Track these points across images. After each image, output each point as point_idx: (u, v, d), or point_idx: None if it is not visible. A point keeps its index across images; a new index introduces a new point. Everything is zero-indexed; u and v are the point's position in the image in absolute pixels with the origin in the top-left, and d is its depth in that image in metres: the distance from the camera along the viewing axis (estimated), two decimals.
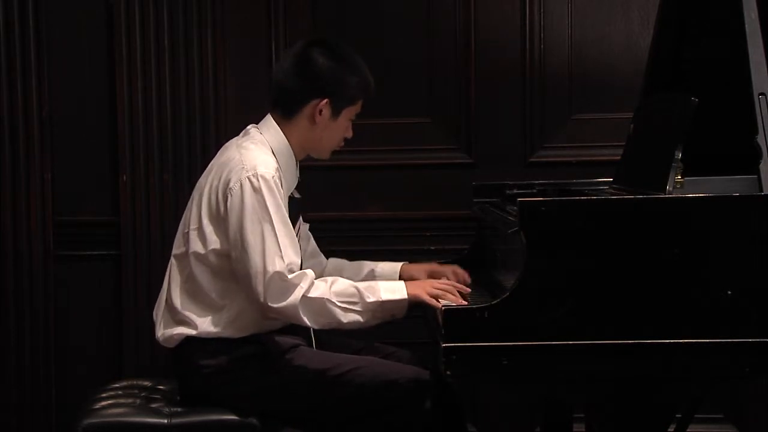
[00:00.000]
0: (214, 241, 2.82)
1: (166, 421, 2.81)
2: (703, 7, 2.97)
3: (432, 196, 3.83)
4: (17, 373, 3.90)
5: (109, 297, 3.89)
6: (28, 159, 3.87)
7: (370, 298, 2.75)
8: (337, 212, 3.74)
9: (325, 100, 2.89)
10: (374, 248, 3.71)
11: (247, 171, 2.78)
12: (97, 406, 2.90)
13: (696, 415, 3.16)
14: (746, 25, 2.61)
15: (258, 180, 2.77)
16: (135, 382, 3.12)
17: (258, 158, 2.82)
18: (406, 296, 2.77)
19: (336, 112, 2.91)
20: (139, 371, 3.73)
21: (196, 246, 2.84)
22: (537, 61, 3.79)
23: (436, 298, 2.75)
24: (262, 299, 2.73)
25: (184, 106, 3.81)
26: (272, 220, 2.75)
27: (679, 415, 3.09)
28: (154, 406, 2.89)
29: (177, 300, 2.87)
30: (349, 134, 3.00)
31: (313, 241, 3.21)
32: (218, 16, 3.81)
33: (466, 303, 2.72)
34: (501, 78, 3.80)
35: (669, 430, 2.58)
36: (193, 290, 2.86)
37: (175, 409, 2.86)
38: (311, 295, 2.73)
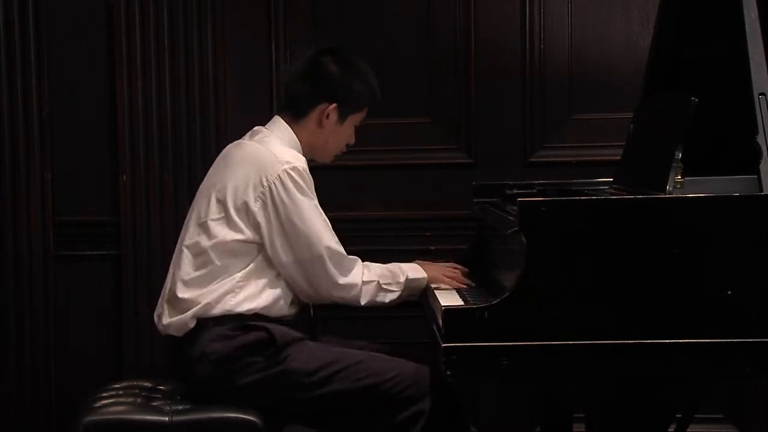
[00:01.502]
0: (244, 231, 2.89)
1: (167, 419, 2.81)
2: (703, 7, 2.97)
3: (432, 196, 3.83)
4: (17, 373, 3.90)
5: (109, 297, 3.89)
6: (28, 159, 3.87)
7: (401, 277, 3.01)
8: (337, 212, 3.73)
9: (333, 105, 3.00)
10: (374, 248, 3.71)
11: (282, 164, 2.90)
12: (98, 405, 2.90)
13: (696, 415, 3.16)
14: (746, 25, 2.60)
15: (296, 172, 2.90)
16: (135, 383, 3.12)
17: (288, 152, 2.95)
18: (425, 275, 3.04)
19: (342, 117, 3.03)
20: (139, 371, 3.74)
21: (221, 234, 2.89)
22: (537, 61, 3.79)
23: (452, 279, 3.06)
24: (332, 276, 2.91)
25: (184, 106, 3.82)
26: (317, 207, 2.93)
27: (679, 415, 3.09)
28: (155, 404, 2.89)
29: (188, 286, 2.91)
30: (352, 141, 3.11)
31: None
32: (218, 16, 3.81)
33: (467, 282, 3.06)
34: (501, 78, 3.80)
35: (669, 430, 2.58)
36: (207, 273, 2.90)
37: (176, 407, 2.86)
38: (366, 278, 2.97)
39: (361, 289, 2.95)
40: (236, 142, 3.06)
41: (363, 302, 2.97)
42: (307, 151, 3.04)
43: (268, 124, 3.06)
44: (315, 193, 2.95)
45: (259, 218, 2.88)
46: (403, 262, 3.15)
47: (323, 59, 3.02)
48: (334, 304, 3.00)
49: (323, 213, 2.95)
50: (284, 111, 3.06)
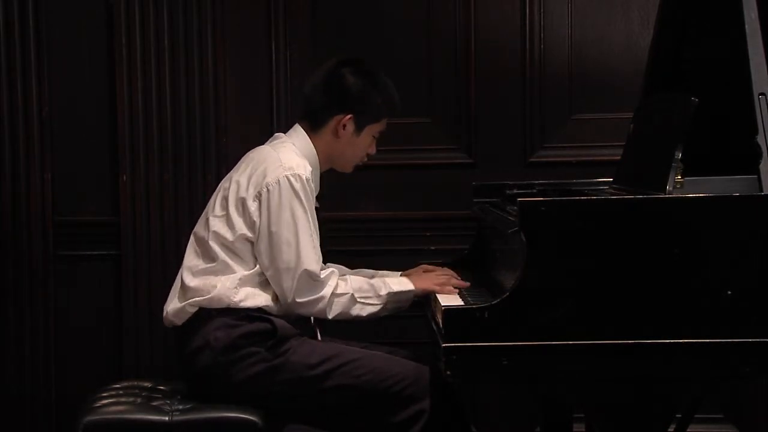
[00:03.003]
0: (241, 228, 2.92)
1: (167, 418, 2.81)
2: (703, 7, 2.97)
3: (432, 196, 3.83)
4: (17, 373, 3.90)
5: (109, 297, 3.89)
6: (28, 159, 3.87)
7: (383, 291, 2.98)
8: (337, 212, 3.74)
9: (349, 116, 3.03)
10: (374, 248, 3.72)
11: (285, 169, 2.92)
12: (98, 404, 2.90)
13: (696, 415, 3.16)
14: (746, 25, 2.60)
15: (296, 179, 2.91)
16: (135, 383, 3.12)
17: (296, 160, 2.96)
18: (413, 288, 3.00)
19: (359, 128, 3.06)
20: (139, 371, 3.74)
21: (223, 231, 2.94)
22: (537, 61, 3.79)
23: (443, 286, 2.97)
24: (290, 294, 2.89)
25: (184, 106, 3.81)
26: (308, 219, 2.91)
27: (679, 415, 3.09)
28: (155, 404, 2.89)
29: (192, 276, 2.95)
30: (373, 151, 3.14)
31: None
32: (218, 16, 3.81)
33: (458, 290, 2.95)
34: (501, 78, 3.80)
35: (669, 430, 2.58)
36: (213, 268, 2.94)
37: (176, 406, 2.86)
38: (339, 291, 2.93)
39: (329, 302, 2.92)
40: (255, 148, 3.09)
41: (331, 315, 2.93)
42: (326, 161, 3.08)
43: (289, 131, 3.10)
44: (312, 206, 2.95)
45: (254, 218, 2.91)
46: (404, 266, 3.16)
47: (342, 70, 3.05)
48: (300, 316, 2.98)
49: (312, 227, 2.93)
50: (303, 120, 3.09)
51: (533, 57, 3.79)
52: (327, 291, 2.91)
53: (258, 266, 2.93)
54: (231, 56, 3.84)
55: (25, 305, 3.89)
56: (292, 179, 2.91)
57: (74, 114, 3.89)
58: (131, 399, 2.95)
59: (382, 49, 3.75)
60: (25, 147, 3.87)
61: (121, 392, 3.02)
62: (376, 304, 2.97)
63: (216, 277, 2.92)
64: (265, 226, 2.90)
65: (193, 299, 2.92)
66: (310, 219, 2.93)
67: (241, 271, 2.92)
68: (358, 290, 2.96)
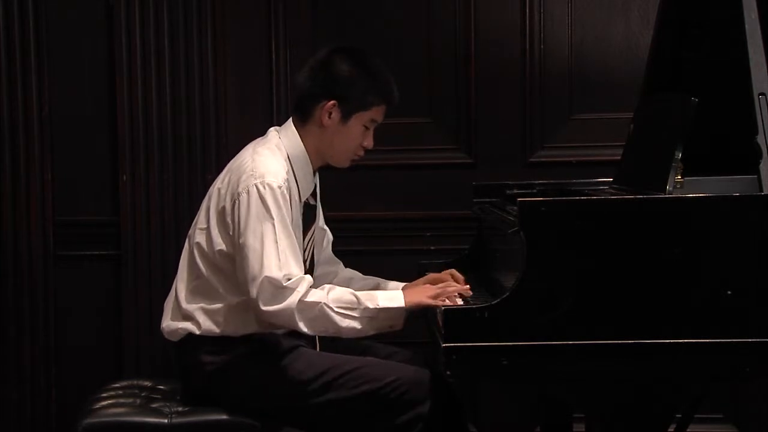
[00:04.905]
0: (220, 243, 2.85)
1: (166, 421, 2.81)
2: (703, 7, 2.97)
3: (432, 196, 3.83)
4: (17, 373, 3.90)
5: (110, 297, 3.89)
6: (28, 159, 3.87)
7: (368, 305, 2.77)
8: (337, 212, 3.74)
9: (332, 102, 2.90)
10: (374, 248, 3.72)
11: (255, 178, 2.80)
12: (97, 406, 2.90)
13: (696, 415, 3.16)
14: (746, 25, 2.61)
15: (265, 188, 2.79)
16: (135, 383, 3.12)
17: (269, 166, 2.84)
18: (403, 304, 2.79)
19: (345, 116, 2.91)
20: (139, 371, 3.74)
21: (204, 245, 2.89)
22: (537, 61, 3.79)
23: (437, 298, 2.76)
24: (255, 303, 2.75)
25: (184, 106, 3.81)
26: (274, 228, 2.76)
27: (679, 415, 3.09)
28: (154, 406, 2.89)
29: (183, 294, 2.91)
30: (368, 143, 2.98)
31: (329, 249, 3.22)
32: (218, 17, 3.81)
33: (462, 303, 2.74)
34: (501, 78, 3.80)
35: (669, 430, 2.58)
36: (199, 285, 2.89)
37: (175, 408, 2.86)
38: (308, 299, 2.74)
39: (297, 310, 2.72)
40: (247, 145, 3.00)
41: (302, 326, 2.74)
42: (317, 157, 2.96)
43: (282, 126, 3.00)
44: (284, 212, 2.80)
45: (230, 232, 2.83)
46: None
47: (333, 57, 2.93)
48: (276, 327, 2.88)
49: (280, 235, 2.76)
50: (294, 113, 2.98)
51: (533, 57, 3.79)
52: (293, 299, 2.72)
53: (243, 296, 2.82)
54: (231, 56, 3.84)
55: (25, 305, 3.89)
56: (260, 187, 2.78)
57: (74, 114, 3.89)
58: (130, 400, 2.94)
59: (382, 49, 3.73)
60: (25, 147, 3.87)
61: (120, 392, 3.02)
62: (356, 317, 2.75)
63: (199, 306, 2.86)
64: (236, 238, 2.80)
65: (184, 324, 2.88)
66: (281, 226, 2.77)
67: (227, 299, 2.84)
68: (337, 300, 2.75)
